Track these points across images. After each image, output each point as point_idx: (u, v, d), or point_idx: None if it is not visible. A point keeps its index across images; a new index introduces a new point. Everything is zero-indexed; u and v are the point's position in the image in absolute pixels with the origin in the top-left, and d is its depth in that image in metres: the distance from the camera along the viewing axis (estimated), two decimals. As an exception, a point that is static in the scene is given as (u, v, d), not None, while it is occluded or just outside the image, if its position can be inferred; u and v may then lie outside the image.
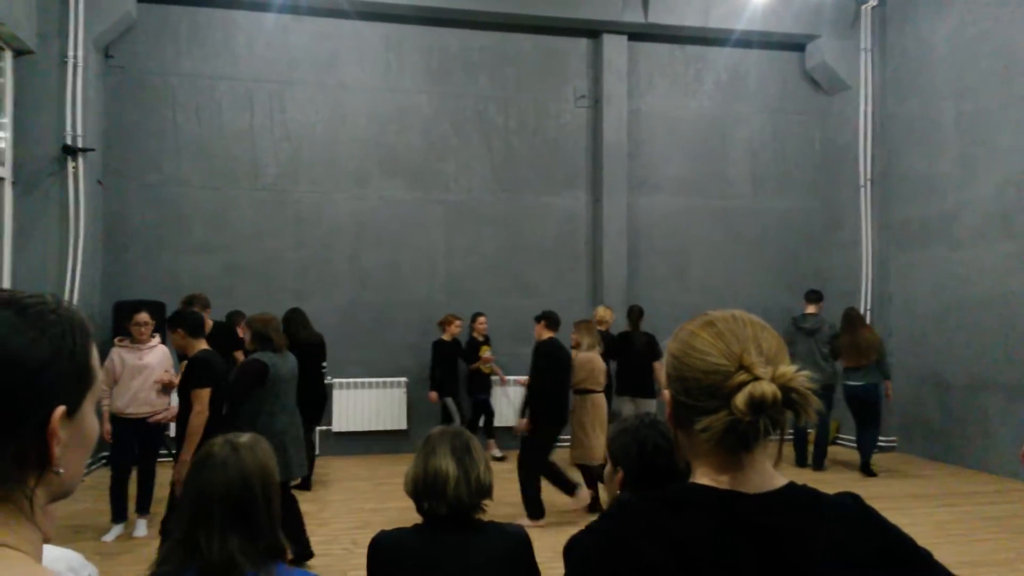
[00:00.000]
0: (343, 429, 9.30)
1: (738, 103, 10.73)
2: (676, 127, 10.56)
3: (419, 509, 2.31)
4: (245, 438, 2.05)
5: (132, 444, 6.13)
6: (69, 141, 8.01)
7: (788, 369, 1.15)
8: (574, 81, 10.32)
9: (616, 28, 10.14)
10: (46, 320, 0.90)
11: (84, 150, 8.11)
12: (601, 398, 6.87)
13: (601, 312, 8.80)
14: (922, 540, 1.25)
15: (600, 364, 6.94)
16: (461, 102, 10.00)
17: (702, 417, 1.16)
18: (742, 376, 1.14)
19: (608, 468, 2.09)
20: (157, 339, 6.38)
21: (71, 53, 8.04)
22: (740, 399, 1.12)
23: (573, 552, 1.21)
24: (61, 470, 0.89)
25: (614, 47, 10.19)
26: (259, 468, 1.98)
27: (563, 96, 10.29)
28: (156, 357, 6.25)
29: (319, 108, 9.61)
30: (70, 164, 8.03)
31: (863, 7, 10.30)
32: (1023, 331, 8.17)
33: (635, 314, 8.71)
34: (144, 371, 6.12)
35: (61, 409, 0.88)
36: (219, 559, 1.84)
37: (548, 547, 2.97)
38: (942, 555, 1.26)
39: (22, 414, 0.86)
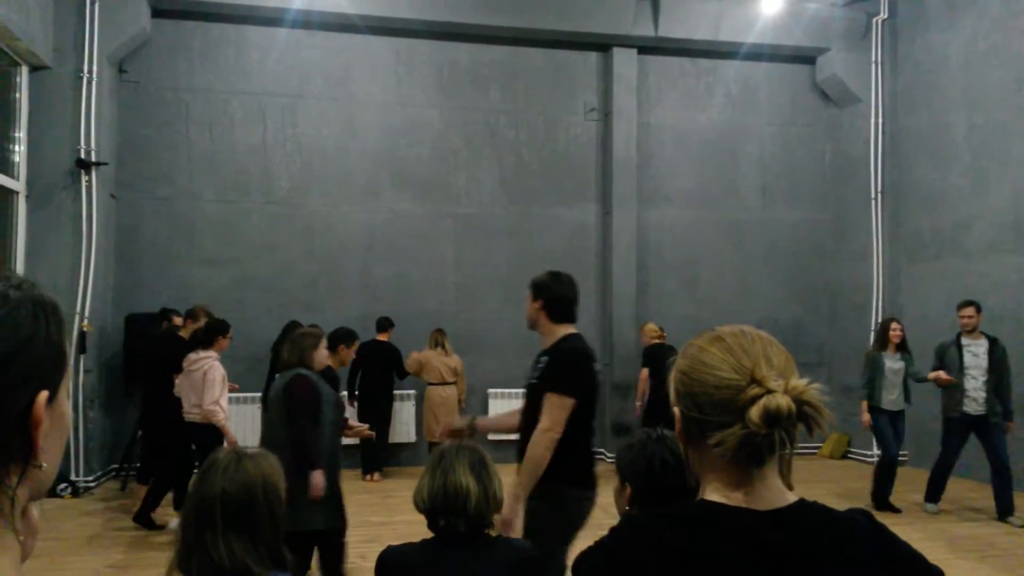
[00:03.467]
0: (350, 442, 9.28)
1: (748, 116, 10.73)
2: (686, 140, 10.57)
3: (432, 525, 2.29)
4: (252, 449, 2.08)
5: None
6: (83, 155, 8.09)
7: (800, 382, 1.15)
8: (584, 94, 10.35)
9: (626, 42, 10.17)
10: (14, 301, 0.82)
11: (98, 164, 8.19)
12: (432, 389, 8.81)
13: (651, 328, 9.15)
14: (933, 556, 1.24)
15: (433, 362, 8.80)
16: (471, 115, 10.04)
17: (715, 432, 1.16)
18: (755, 390, 1.14)
19: (616, 484, 2.08)
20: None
21: (86, 68, 8.14)
22: (755, 412, 1.13)
23: (582, 568, 1.21)
24: (44, 463, 0.82)
25: (624, 60, 10.22)
26: (261, 477, 2.00)
27: (573, 109, 10.32)
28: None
29: (330, 122, 9.67)
30: (83, 178, 8.10)
31: (874, 20, 10.31)
32: (1037, 344, 8.09)
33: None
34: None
35: (44, 394, 0.81)
36: (230, 564, 1.86)
37: (558, 562, 2.96)
38: (953, 572, 1.25)
39: (3, 401, 0.78)
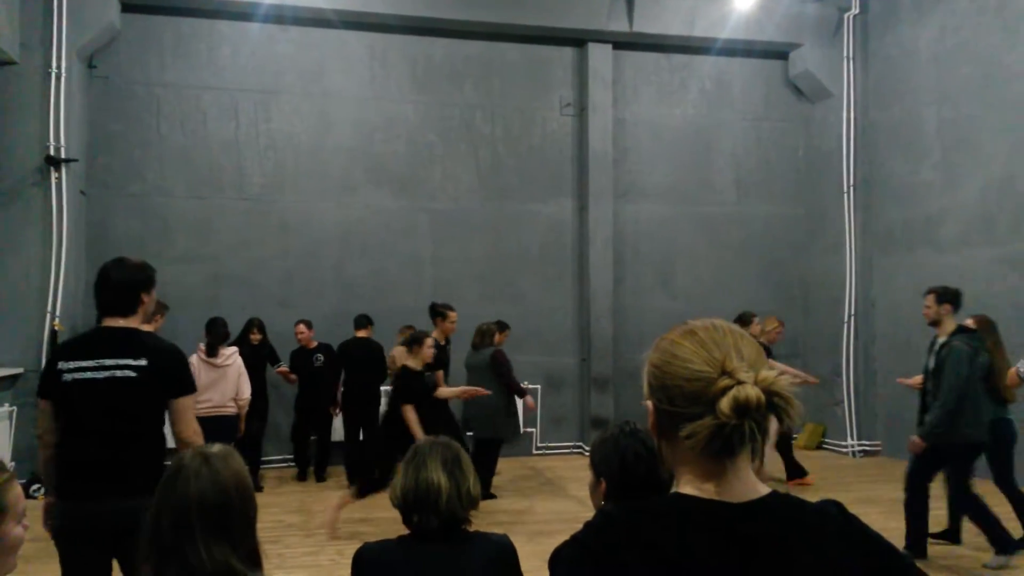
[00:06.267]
0: (335, 438, 9.22)
1: (722, 111, 10.79)
2: (661, 135, 10.61)
3: (407, 521, 2.29)
4: (217, 448, 2.02)
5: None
6: (52, 152, 7.97)
7: (769, 373, 1.16)
8: (560, 90, 10.35)
9: (601, 37, 10.18)
10: None
11: (67, 160, 8.07)
12: None
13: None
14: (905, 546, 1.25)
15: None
16: (447, 111, 10.01)
17: (686, 424, 1.17)
18: (726, 381, 1.15)
19: (591, 479, 2.09)
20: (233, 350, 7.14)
21: (54, 63, 8.01)
22: (725, 403, 1.13)
23: (559, 562, 1.21)
24: None
25: (599, 56, 10.23)
26: (233, 476, 1.95)
27: (549, 105, 10.32)
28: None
29: (304, 117, 9.60)
30: (53, 175, 7.99)
31: (845, 15, 10.39)
32: (1007, 335, 8.21)
33: (746, 319, 8.20)
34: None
35: None
36: (211, 568, 1.83)
37: (534, 555, 2.97)
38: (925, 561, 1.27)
39: None
